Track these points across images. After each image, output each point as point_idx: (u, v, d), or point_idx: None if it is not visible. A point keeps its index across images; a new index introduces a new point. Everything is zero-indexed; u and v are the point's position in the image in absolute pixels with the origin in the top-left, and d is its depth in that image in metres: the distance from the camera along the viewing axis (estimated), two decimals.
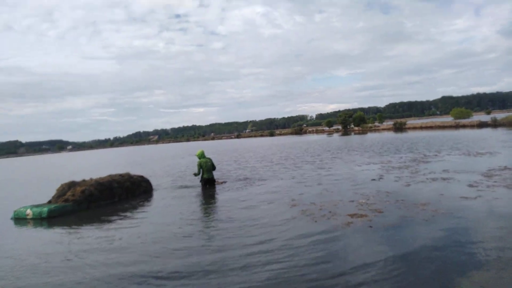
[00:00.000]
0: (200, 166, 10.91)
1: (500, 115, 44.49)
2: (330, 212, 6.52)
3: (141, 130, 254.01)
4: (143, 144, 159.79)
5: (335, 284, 3.58)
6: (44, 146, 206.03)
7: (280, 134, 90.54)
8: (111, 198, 9.49)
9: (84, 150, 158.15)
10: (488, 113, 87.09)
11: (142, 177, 10.97)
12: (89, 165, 30.44)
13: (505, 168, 9.64)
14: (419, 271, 3.76)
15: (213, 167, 11.11)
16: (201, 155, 11.12)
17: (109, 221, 7.36)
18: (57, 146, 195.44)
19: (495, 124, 33.88)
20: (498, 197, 6.61)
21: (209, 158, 11.23)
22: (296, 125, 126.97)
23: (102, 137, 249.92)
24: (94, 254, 5.19)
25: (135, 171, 11.36)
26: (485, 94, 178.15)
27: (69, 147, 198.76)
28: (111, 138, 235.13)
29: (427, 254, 4.21)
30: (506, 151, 13.44)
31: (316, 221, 5.97)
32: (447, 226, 5.18)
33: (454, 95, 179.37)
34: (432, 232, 4.98)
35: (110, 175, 10.33)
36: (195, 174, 11.05)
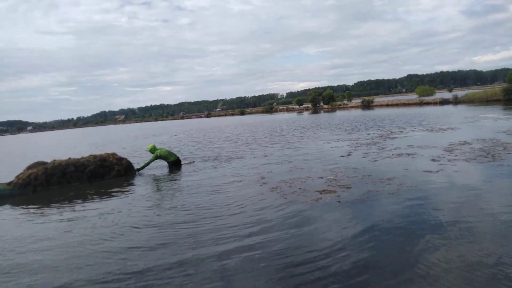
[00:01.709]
0: (156, 157, 10.57)
1: (461, 92, 46.49)
2: (300, 188, 6.58)
3: (107, 110, 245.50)
4: (109, 124, 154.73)
5: (307, 259, 3.63)
6: (1, 127, 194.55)
7: (251, 113, 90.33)
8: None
9: (45, 130, 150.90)
10: (450, 90, 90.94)
11: (121, 159, 9.98)
12: (53, 147, 29.09)
13: (465, 142, 10.09)
14: (385, 243, 3.88)
15: (172, 153, 10.92)
16: (154, 148, 10.78)
17: (37, 210, 6.92)
18: (16, 127, 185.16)
19: (456, 101, 35.39)
20: (458, 170, 6.92)
21: (162, 148, 11.00)
22: (266, 103, 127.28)
23: (64, 117, 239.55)
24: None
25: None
26: (447, 73, 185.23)
27: (29, 128, 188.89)
28: (74, 118, 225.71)
29: (392, 226, 4.34)
30: (465, 127, 14.07)
31: (286, 198, 6.00)
32: (411, 198, 5.36)
33: (419, 73, 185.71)
34: (397, 205, 5.14)
35: (92, 155, 9.79)
36: (138, 169, 10.32)
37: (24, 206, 7.34)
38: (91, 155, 9.88)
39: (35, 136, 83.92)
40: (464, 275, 3.07)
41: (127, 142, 25.09)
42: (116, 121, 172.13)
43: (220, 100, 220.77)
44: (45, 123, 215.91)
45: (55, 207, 7.00)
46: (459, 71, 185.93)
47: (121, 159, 10.13)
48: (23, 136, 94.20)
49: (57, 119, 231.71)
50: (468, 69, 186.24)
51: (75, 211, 6.54)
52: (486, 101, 31.24)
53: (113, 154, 10.14)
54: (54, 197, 7.93)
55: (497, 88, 37.35)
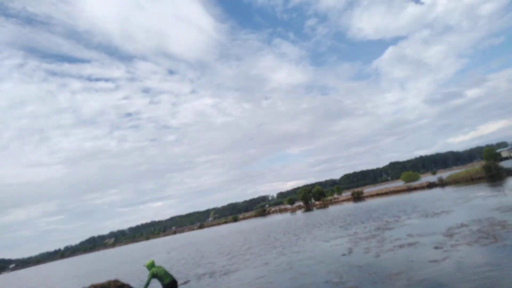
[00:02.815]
0: (152, 275, 10.12)
1: (444, 174, 47.82)
2: None
3: (96, 235, 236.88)
4: (98, 249, 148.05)
5: None
6: None
7: (244, 218, 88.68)
8: None
9: (30, 266, 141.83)
10: (434, 173, 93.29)
11: (122, 286, 9.55)
12: (42, 284, 27.02)
13: (462, 225, 10.02)
14: None
15: (168, 273, 10.39)
16: (152, 265, 10.41)
17: None
18: None
19: (442, 184, 36.08)
20: (464, 256, 6.74)
21: (160, 266, 10.57)
22: (258, 206, 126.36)
23: (50, 248, 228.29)
24: None
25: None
26: (426, 156, 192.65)
27: (12, 265, 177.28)
28: (62, 248, 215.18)
29: None
30: (458, 209, 14.11)
31: None
32: None
33: (401, 160, 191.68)
34: None
35: (92, 285, 9.41)
36: None
37: None
38: (92, 285, 9.54)
39: (20, 274, 78.17)
40: None
41: (118, 268, 23.68)
42: (105, 246, 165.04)
43: (212, 209, 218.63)
44: (30, 258, 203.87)
45: None
46: (437, 154, 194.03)
47: (122, 285, 9.66)
48: (4, 277, 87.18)
49: (43, 251, 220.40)
50: (445, 151, 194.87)
51: None
52: (470, 180, 32.00)
53: (115, 281, 9.76)
54: None
55: (477, 166, 38.69)
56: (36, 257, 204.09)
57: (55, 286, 18.91)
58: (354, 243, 11.05)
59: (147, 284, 9.99)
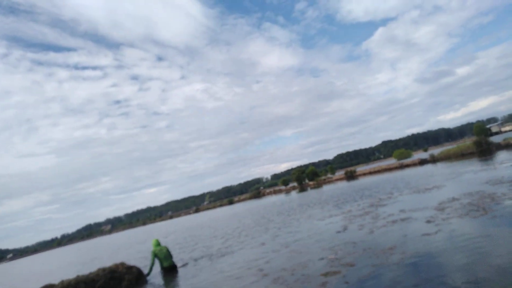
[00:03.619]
0: (154, 255, 10.28)
1: (436, 150, 48.52)
2: (302, 275, 6.29)
3: (92, 222, 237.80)
4: (95, 236, 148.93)
5: None
6: None
7: (239, 201, 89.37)
8: None
9: (27, 255, 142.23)
10: (425, 150, 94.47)
11: (130, 268, 9.69)
12: (43, 273, 27.14)
13: (453, 199, 10.21)
14: None
15: (170, 255, 10.51)
16: (157, 244, 10.61)
17: None
18: None
19: (434, 160, 36.57)
20: (455, 228, 6.89)
21: (164, 246, 10.71)
22: (253, 189, 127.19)
23: (47, 237, 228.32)
24: None
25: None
26: (418, 134, 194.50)
27: (10, 255, 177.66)
28: (58, 236, 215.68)
29: None
30: (449, 183, 14.35)
31: None
32: (418, 266, 5.21)
33: (393, 138, 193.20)
34: (406, 275, 4.96)
35: (100, 268, 9.35)
36: (147, 274, 10.11)
37: None
38: (99, 269, 9.44)
39: (19, 263, 78.28)
40: None
41: (118, 253, 23.84)
42: (102, 232, 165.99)
43: (207, 193, 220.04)
44: (27, 247, 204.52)
45: None
46: (428, 131, 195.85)
47: (130, 267, 9.76)
48: (3, 266, 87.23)
49: (39, 240, 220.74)
50: (436, 128, 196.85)
51: None
52: (461, 156, 32.45)
53: (122, 264, 9.81)
54: None
55: (468, 142, 39.17)
56: (33, 246, 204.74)
57: (64, 271, 18.98)
58: (349, 221, 11.22)
59: (152, 265, 10.21)
